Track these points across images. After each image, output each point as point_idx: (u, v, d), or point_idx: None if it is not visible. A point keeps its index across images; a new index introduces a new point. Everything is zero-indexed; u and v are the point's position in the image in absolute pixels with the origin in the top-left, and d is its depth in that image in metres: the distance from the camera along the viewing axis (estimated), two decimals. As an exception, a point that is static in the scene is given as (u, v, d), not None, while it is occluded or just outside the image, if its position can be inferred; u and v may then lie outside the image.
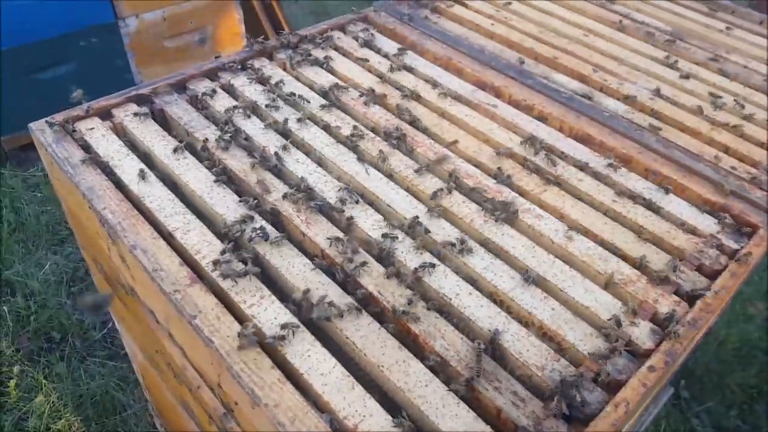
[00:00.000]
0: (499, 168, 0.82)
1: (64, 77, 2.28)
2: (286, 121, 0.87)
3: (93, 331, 1.89)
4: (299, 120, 0.89)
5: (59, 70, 2.25)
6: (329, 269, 0.68)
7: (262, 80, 0.98)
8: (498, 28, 1.13)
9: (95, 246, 0.84)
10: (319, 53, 1.05)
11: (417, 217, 0.73)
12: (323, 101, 0.93)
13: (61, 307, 1.94)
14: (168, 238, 0.70)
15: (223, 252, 0.67)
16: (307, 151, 0.86)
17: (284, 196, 0.75)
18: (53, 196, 2.23)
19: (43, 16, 2.13)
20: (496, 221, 0.74)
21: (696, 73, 1.06)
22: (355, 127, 0.87)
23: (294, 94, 0.93)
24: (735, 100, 0.99)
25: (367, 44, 1.07)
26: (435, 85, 0.97)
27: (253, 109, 0.91)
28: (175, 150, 0.81)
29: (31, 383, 1.74)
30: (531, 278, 0.67)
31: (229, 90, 0.95)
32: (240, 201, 0.74)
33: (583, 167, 0.84)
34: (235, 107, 0.89)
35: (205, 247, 0.69)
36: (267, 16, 2.93)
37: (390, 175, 0.81)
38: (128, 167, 0.79)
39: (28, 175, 2.33)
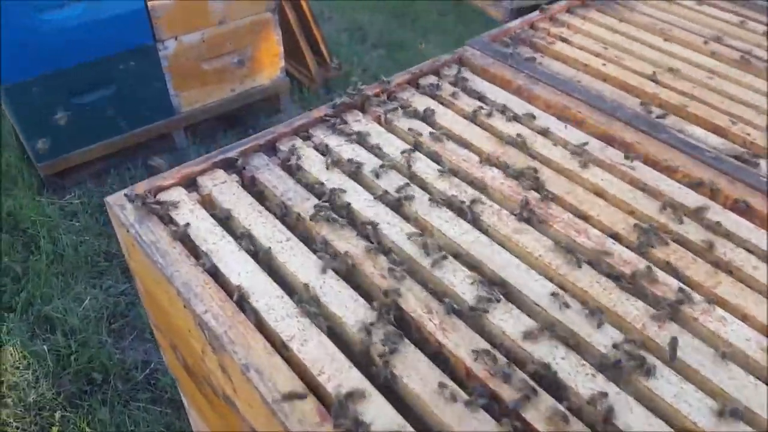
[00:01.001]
0: (653, 248, 0.68)
1: (101, 101, 2.18)
2: (394, 190, 0.74)
3: (135, 371, 1.78)
4: (407, 186, 0.76)
5: (97, 94, 2.16)
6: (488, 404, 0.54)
7: (359, 139, 0.85)
8: (610, 68, 1.00)
9: (178, 336, 0.73)
10: (417, 102, 0.92)
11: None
12: (432, 163, 0.80)
13: (102, 345, 1.83)
14: (282, 349, 0.58)
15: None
16: (423, 227, 0.73)
17: (409, 293, 0.62)
18: (91, 225, 2.14)
19: (81, 41, 2.03)
20: (669, 324, 0.61)
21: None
22: (474, 199, 0.74)
23: (397, 156, 0.80)
24: None
25: (468, 91, 0.93)
26: (557, 141, 0.84)
27: (354, 175, 0.79)
28: (274, 231, 0.69)
29: (73, 431, 1.64)
30: (733, 412, 0.53)
31: (324, 151, 0.83)
32: (357, 300, 0.61)
33: (752, 250, 0.70)
34: (332, 164, 0.76)
35: (329, 364, 0.56)
36: (304, 35, 2.82)
37: (527, 260, 0.68)
38: (226, 253, 0.66)
39: (65, 203, 2.24)
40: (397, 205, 0.74)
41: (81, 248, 2.06)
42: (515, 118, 0.88)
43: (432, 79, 0.97)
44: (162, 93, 2.29)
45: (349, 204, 0.74)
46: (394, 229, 0.71)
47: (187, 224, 0.70)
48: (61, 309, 1.89)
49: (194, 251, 0.66)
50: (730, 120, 0.90)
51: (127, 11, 2.07)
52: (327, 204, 0.73)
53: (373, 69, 3.00)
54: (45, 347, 1.78)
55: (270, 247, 0.68)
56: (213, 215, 0.71)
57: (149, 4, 2.10)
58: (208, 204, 0.75)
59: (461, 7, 3.53)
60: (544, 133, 0.86)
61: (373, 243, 0.69)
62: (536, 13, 1.13)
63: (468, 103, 0.91)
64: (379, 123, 0.90)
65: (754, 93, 0.97)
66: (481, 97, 0.93)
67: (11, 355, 1.79)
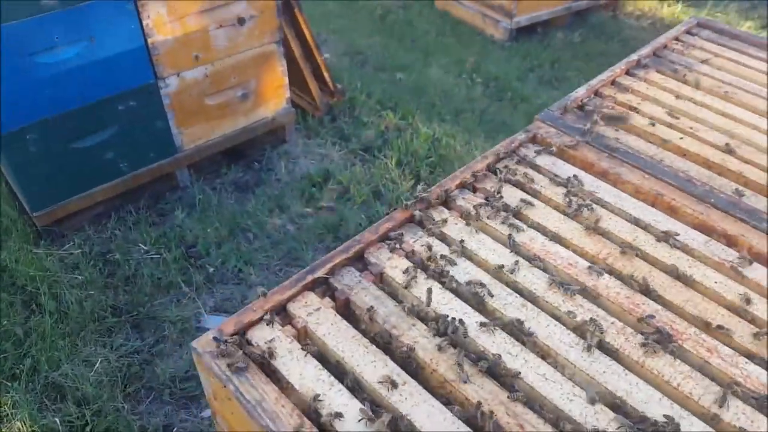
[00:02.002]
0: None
1: (101, 144, 2.07)
2: (509, 311, 0.68)
3: (157, 441, 1.68)
4: (523, 307, 0.70)
5: (97, 137, 2.04)
6: None
7: (450, 240, 0.78)
8: (688, 142, 0.96)
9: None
10: (504, 193, 0.85)
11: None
12: (537, 272, 0.74)
13: (119, 412, 1.72)
14: None
15: None
16: (545, 353, 0.67)
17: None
18: (95, 277, 2.01)
19: (79, 83, 1.92)
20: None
21: None
22: (592, 318, 0.69)
23: (502, 267, 0.74)
24: None
25: (552, 177, 0.88)
26: (659, 236, 0.79)
27: (457, 291, 0.72)
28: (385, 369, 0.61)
29: None
30: None
31: (416, 260, 0.76)
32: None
33: None
34: (431, 277, 0.70)
35: None
36: (307, 63, 2.74)
37: (666, 390, 0.62)
38: (339, 405, 0.58)
39: (65, 253, 2.10)
40: (517, 332, 0.67)
41: (86, 304, 1.93)
42: (613, 210, 0.83)
43: (511, 163, 0.92)
44: (164, 131, 2.19)
45: (463, 330, 0.67)
46: (519, 361, 0.65)
47: (288, 369, 0.61)
48: (70, 375, 1.77)
49: (304, 405, 0.59)
50: (824, 201, 0.87)
51: (125, 50, 1.97)
52: (445, 336, 0.65)
53: (378, 93, 2.94)
54: (57, 419, 1.66)
55: (384, 395, 0.60)
56: (315, 355, 0.63)
57: (149, 41, 2.00)
58: (306, 338, 0.67)
59: (460, 27, 3.50)
60: (644, 225, 0.81)
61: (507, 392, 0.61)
62: (598, 79, 1.08)
63: (556, 192, 0.86)
64: (468, 221, 0.83)
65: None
66: (567, 183, 0.87)
67: (20, 430, 1.66)
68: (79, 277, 2.02)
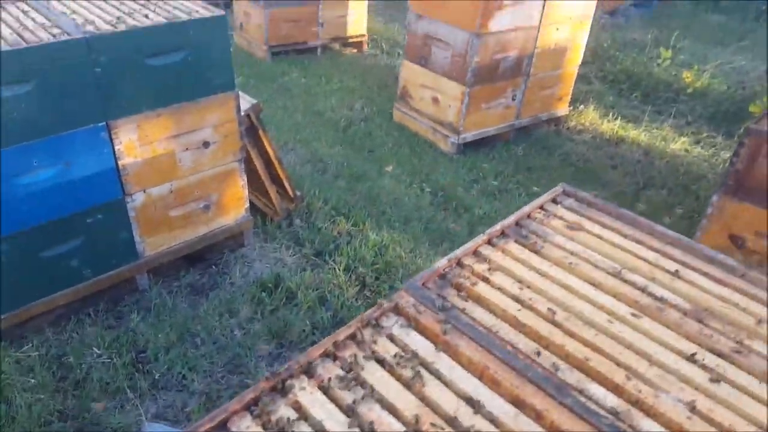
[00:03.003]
0: None
1: (68, 253, 2.21)
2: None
3: None
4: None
5: (64, 247, 2.19)
6: None
7: (303, 411, 0.92)
8: (525, 315, 1.12)
9: None
10: (361, 363, 1.00)
11: None
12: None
13: None
14: None
15: None
16: None
17: None
18: (48, 381, 2.09)
19: (53, 200, 2.09)
20: None
21: (724, 372, 1.05)
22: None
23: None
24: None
25: (407, 352, 1.02)
26: (475, 407, 0.93)
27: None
28: None
29: None
30: None
31: (272, 430, 0.89)
32: None
33: None
34: None
35: None
36: (269, 173, 2.96)
37: None
38: None
39: (23, 355, 2.19)
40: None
41: (35, 408, 2.00)
42: (446, 383, 0.97)
43: (371, 333, 1.07)
44: (128, 241, 2.35)
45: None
46: None
47: None
48: (8, 482, 1.82)
49: None
50: (626, 376, 1.02)
51: (97, 171, 2.15)
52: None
53: (334, 200, 3.14)
54: None
55: None
56: None
57: (119, 163, 2.20)
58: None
59: (415, 139, 3.78)
60: (466, 398, 0.95)
61: None
62: (462, 248, 1.26)
63: (403, 364, 1.00)
64: (323, 390, 0.97)
65: (649, 340, 1.10)
66: (415, 356, 1.02)
67: None
68: (32, 381, 2.10)
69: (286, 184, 3.02)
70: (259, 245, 2.84)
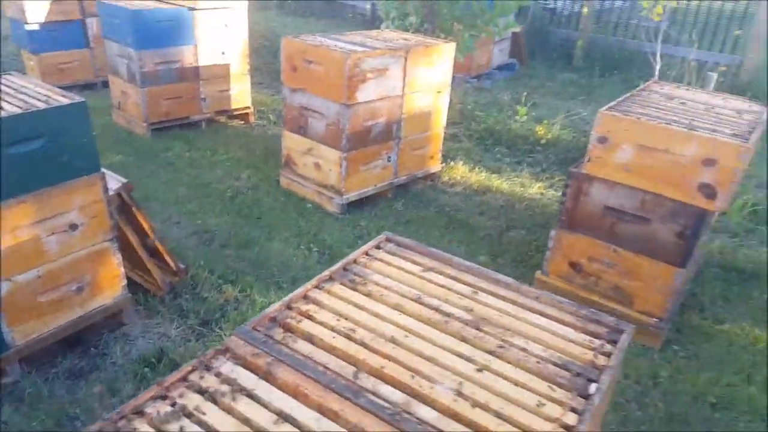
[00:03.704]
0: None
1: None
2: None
3: None
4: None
5: None
6: None
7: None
8: (339, 341, 1.45)
9: None
10: (190, 400, 1.26)
11: None
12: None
13: None
14: None
15: None
16: None
17: None
18: None
19: None
20: None
21: (488, 364, 1.43)
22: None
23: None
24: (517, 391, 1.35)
25: (231, 384, 1.31)
26: (286, 418, 1.22)
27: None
28: None
29: None
30: None
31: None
32: None
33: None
34: None
35: None
36: (148, 248, 3.16)
37: None
38: None
39: None
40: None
41: None
42: (265, 405, 1.26)
43: (199, 374, 1.34)
44: (-4, 331, 2.42)
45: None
46: None
47: None
48: None
49: None
50: (411, 375, 1.37)
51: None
52: None
53: (221, 269, 3.37)
54: None
55: None
56: None
57: (-19, 256, 2.31)
58: None
59: (302, 203, 4.14)
60: (278, 413, 1.24)
61: None
62: (294, 293, 1.59)
63: (229, 394, 1.28)
64: (151, 425, 1.22)
65: (434, 347, 1.46)
66: (238, 386, 1.30)
67: None
68: None
69: (167, 258, 3.23)
70: (141, 322, 2.99)
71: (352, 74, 3.59)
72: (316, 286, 1.64)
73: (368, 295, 1.63)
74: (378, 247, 1.85)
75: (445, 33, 4.90)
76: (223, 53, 5.06)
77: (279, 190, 4.26)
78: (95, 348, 2.78)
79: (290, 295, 1.59)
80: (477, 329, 1.54)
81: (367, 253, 1.81)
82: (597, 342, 1.53)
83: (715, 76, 4.05)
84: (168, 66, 4.79)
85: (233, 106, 5.32)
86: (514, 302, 1.66)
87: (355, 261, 1.77)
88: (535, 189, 4.46)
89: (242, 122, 5.46)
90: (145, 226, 3.14)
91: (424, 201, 4.26)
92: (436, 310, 1.59)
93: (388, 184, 4.20)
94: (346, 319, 1.53)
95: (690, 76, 4.73)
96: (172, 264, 3.26)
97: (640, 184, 2.89)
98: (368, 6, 9.73)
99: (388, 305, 1.59)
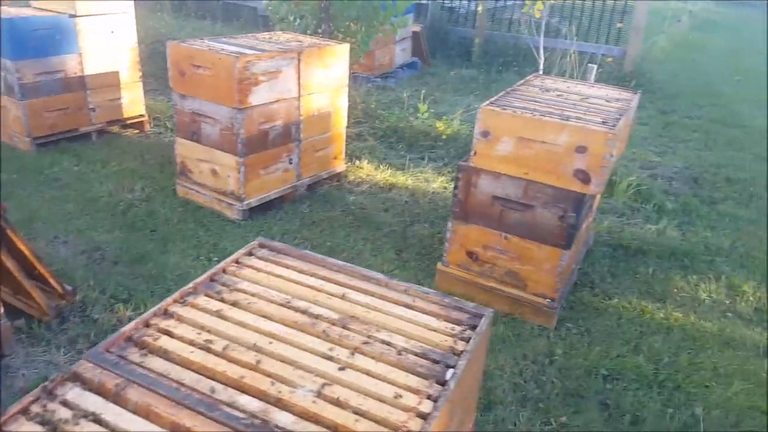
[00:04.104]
0: None
1: None
2: None
3: None
4: None
5: None
6: None
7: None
8: (197, 355, 1.41)
9: None
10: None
11: None
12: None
13: None
14: None
15: None
16: None
17: None
18: None
19: None
20: None
21: (352, 362, 1.45)
22: None
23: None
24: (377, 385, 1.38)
25: (75, 409, 1.24)
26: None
27: None
28: None
29: None
30: None
31: None
32: None
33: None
34: None
35: None
36: (29, 273, 2.96)
37: None
38: None
39: None
40: None
41: None
42: (111, 429, 1.21)
43: (42, 403, 1.27)
44: None
45: None
46: None
47: None
48: None
49: None
50: (271, 382, 1.36)
51: None
52: None
53: (112, 288, 3.21)
54: None
55: None
56: None
57: None
58: None
59: (200, 212, 4.01)
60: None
61: None
62: (151, 311, 1.53)
63: (75, 422, 1.22)
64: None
65: (298, 350, 1.46)
66: (85, 413, 1.24)
67: None
68: None
69: (52, 281, 3.04)
70: (25, 351, 2.79)
71: (242, 77, 3.52)
72: (178, 300, 1.60)
73: (234, 304, 1.60)
74: (250, 254, 1.83)
75: (342, 34, 4.91)
76: (111, 61, 4.81)
77: (176, 200, 4.11)
78: (-27, 382, 2.57)
79: (148, 312, 1.53)
80: (344, 327, 1.55)
81: (237, 261, 1.78)
82: (458, 328, 1.59)
83: (595, 67, 4.32)
84: (50, 77, 4.49)
85: (126, 115, 5.07)
86: (383, 297, 1.69)
87: (224, 270, 1.74)
88: (437, 183, 4.57)
89: (137, 131, 5.22)
90: (24, 248, 2.94)
91: (330, 201, 4.26)
92: (304, 312, 1.59)
93: (292, 187, 4.17)
94: (207, 331, 1.50)
95: (573, 69, 5.03)
96: (57, 287, 3.07)
97: (522, 173, 3.03)
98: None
99: (254, 313, 1.58)
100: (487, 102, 3.12)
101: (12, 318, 2.78)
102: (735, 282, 3.61)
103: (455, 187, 3.25)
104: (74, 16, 4.50)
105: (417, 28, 7.90)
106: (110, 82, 4.83)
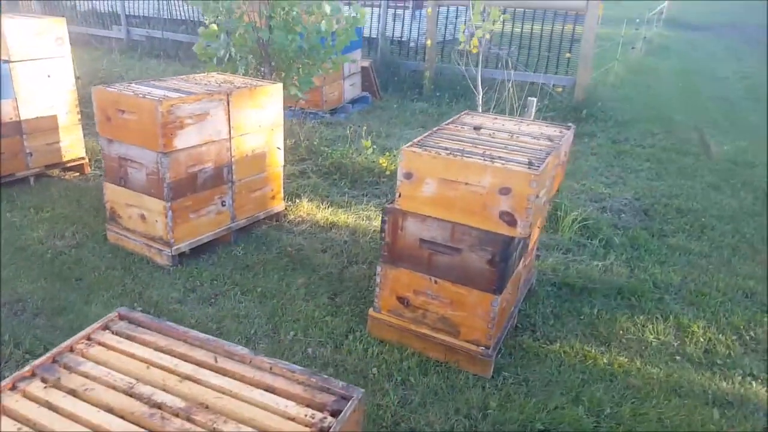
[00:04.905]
0: None
1: None
2: None
3: None
4: None
5: None
6: None
7: None
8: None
9: None
10: None
11: None
12: None
13: None
14: None
15: None
16: None
17: None
18: None
19: None
20: None
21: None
22: None
23: None
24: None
25: None
26: None
27: None
28: None
29: None
30: None
31: None
32: None
33: None
34: None
35: None
36: None
37: None
38: None
39: None
40: None
41: None
42: None
43: None
44: None
45: None
46: None
47: None
48: None
49: None
50: None
51: None
52: None
53: (27, 342, 3.01)
54: None
55: None
56: None
57: None
58: None
59: (131, 258, 3.82)
60: None
61: None
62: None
63: None
64: None
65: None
66: None
67: None
68: None
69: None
70: None
71: (166, 121, 3.38)
72: (11, 387, 1.41)
73: (71, 392, 1.42)
74: (106, 328, 1.65)
75: (284, 72, 4.81)
76: (48, 105, 4.65)
77: (106, 246, 3.92)
78: None
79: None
80: (187, 419, 1.38)
81: (89, 337, 1.60)
82: (319, 416, 1.42)
83: (534, 101, 4.24)
84: (-18, 122, 4.32)
85: (65, 158, 4.90)
86: (242, 378, 1.51)
87: (71, 348, 1.56)
88: (379, 221, 4.43)
89: (77, 174, 5.05)
90: None
91: (266, 243, 4.08)
92: (147, 401, 1.41)
93: (226, 229, 4.00)
94: (32, 426, 1.31)
95: (512, 102, 4.96)
96: (-38, 346, 2.86)
97: (447, 215, 2.90)
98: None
99: (90, 402, 1.39)
100: (410, 143, 3.00)
101: None
102: (684, 322, 3.46)
103: (382, 230, 3.10)
104: (9, 61, 4.35)
105: (366, 63, 7.84)
106: (47, 126, 4.67)
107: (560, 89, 6.93)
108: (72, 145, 4.89)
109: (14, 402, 1.38)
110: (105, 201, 3.88)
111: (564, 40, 7.52)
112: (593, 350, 3.18)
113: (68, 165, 4.96)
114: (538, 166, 2.84)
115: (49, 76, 4.59)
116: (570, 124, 3.64)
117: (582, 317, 3.49)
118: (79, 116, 4.89)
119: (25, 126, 4.56)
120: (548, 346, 3.22)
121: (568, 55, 7.27)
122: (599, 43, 7.29)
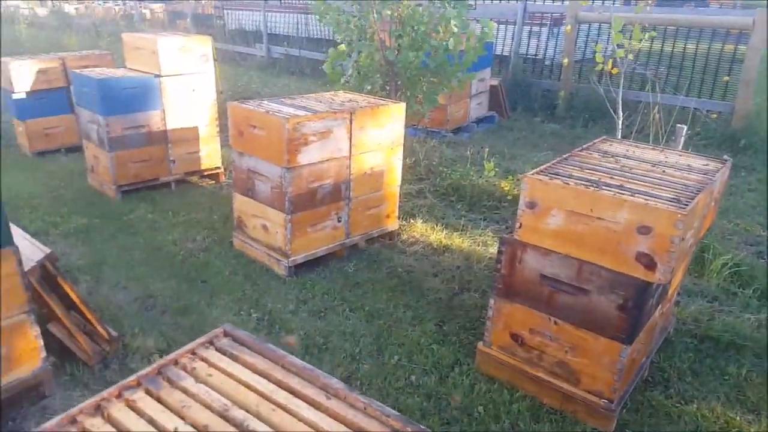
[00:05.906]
0: None
1: None
2: None
3: None
4: None
5: None
6: None
7: None
8: None
9: None
10: None
11: None
12: None
13: None
14: None
15: None
16: None
17: None
18: None
19: None
20: None
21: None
22: None
23: None
24: None
25: None
26: None
27: None
28: None
29: None
30: None
31: None
32: None
33: None
34: None
35: None
36: (76, 319, 3.03)
37: None
38: None
39: None
40: None
41: None
42: None
43: None
44: None
45: None
46: None
47: None
48: None
49: None
50: None
51: None
52: None
53: (154, 337, 3.20)
54: None
55: None
56: None
57: None
58: None
59: (252, 266, 3.97)
60: None
61: None
62: (78, 407, 1.38)
63: None
64: None
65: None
66: None
67: None
68: None
69: (98, 327, 3.10)
70: (67, 393, 2.83)
71: (291, 138, 3.46)
72: (115, 395, 1.43)
73: (169, 407, 1.41)
74: (210, 343, 1.64)
75: (409, 90, 4.76)
76: (191, 117, 5.07)
77: (231, 252, 4.11)
78: (13, 422, 2.64)
79: (78, 407, 1.38)
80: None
81: (193, 352, 1.60)
82: (411, 473, 1.26)
83: (684, 128, 3.72)
84: (135, 131, 4.82)
85: (203, 167, 5.29)
86: (335, 416, 1.40)
87: (175, 362, 1.56)
88: (495, 248, 4.15)
89: (213, 182, 5.42)
90: (72, 295, 3.03)
91: (377, 261, 4.01)
92: (238, 426, 1.35)
93: (340, 245, 4.00)
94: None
95: (657, 128, 4.39)
96: (103, 332, 3.13)
97: (574, 252, 2.59)
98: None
99: (187, 420, 1.36)
100: (537, 169, 2.74)
101: (65, 358, 2.82)
102: None
103: (497, 261, 2.86)
104: (159, 76, 4.81)
105: (495, 81, 7.55)
106: (189, 136, 5.08)
107: (715, 115, 6.09)
108: (210, 155, 5.28)
109: (117, 411, 1.40)
110: (233, 210, 4.08)
111: (722, 60, 6.62)
112: (738, 418, 2.66)
113: (206, 173, 5.35)
114: (686, 204, 2.42)
115: (193, 90, 5.00)
116: (726, 156, 3.11)
117: (726, 378, 2.95)
118: (218, 128, 5.27)
119: (170, 135, 5.00)
120: (683, 406, 2.75)
121: (726, 78, 6.39)
122: (763, 66, 6.31)
